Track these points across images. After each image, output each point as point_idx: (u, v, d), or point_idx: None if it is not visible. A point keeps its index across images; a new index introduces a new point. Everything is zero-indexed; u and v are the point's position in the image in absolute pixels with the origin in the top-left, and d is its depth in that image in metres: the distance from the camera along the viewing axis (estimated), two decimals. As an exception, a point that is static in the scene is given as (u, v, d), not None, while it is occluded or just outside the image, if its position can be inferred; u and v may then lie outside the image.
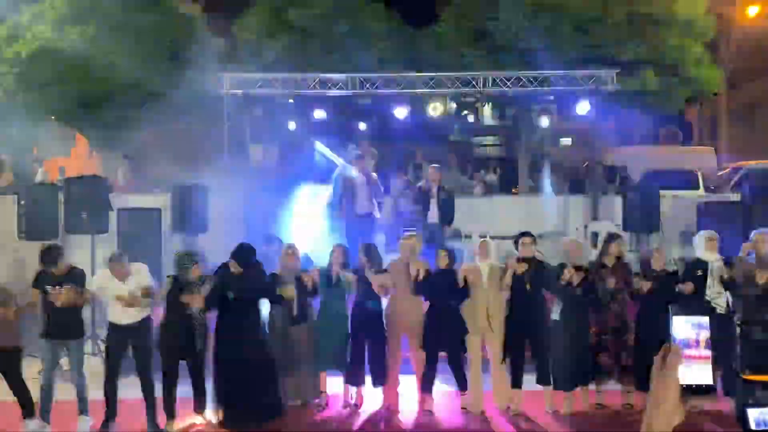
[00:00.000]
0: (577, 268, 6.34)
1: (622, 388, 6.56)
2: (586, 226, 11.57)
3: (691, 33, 12.17)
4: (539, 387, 6.53)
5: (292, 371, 6.39)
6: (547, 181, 12.29)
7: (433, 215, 9.54)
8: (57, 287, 5.86)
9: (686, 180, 15.18)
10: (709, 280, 6.40)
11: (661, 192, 10.20)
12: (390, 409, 6.53)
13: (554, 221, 11.36)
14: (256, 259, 6.24)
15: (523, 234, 6.59)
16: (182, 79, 12.42)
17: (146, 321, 6.15)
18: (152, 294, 6.05)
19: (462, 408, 6.51)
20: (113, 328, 6.08)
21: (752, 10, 21.11)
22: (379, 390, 6.62)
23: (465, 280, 6.42)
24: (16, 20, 13.17)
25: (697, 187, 15.21)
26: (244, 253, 6.15)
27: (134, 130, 14.08)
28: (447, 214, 9.59)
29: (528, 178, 14.33)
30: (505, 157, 17.12)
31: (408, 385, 6.67)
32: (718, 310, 6.36)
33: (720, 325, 6.22)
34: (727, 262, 6.48)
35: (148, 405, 6.05)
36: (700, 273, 6.43)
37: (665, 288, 6.37)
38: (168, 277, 6.15)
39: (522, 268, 6.33)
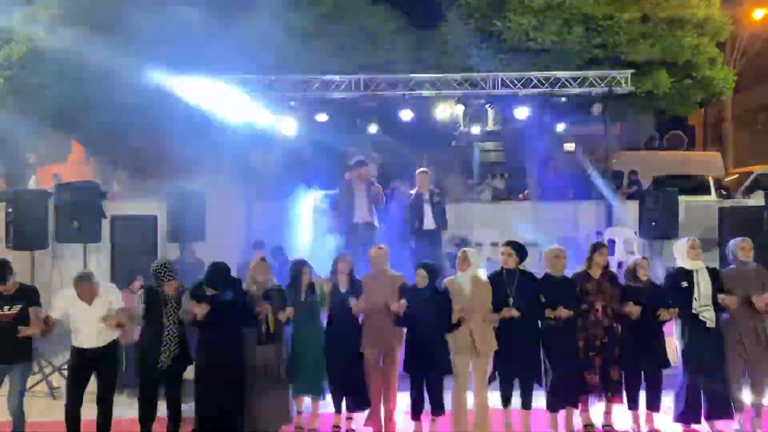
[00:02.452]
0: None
1: (605, 406, 6.23)
2: (598, 233, 11.22)
3: (705, 32, 11.81)
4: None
5: (261, 395, 5.95)
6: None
7: (429, 222, 9.12)
8: (6, 308, 5.53)
9: (697, 185, 14.90)
10: (695, 292, 5.98)
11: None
12: None
13: (565, 227, 11.03)
14: (231, 279, 5.85)
15: (505, 243, 6.19)
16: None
17: (113, 344, 5.74)
18: (134, 317, 5.67)
19: None
20: (78, 352, 5.64)
21: (758, 14, 20.89)
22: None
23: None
24: (7, 22, 12.79)
25: (708, 192, 14.93)
26: (217, 275, 5.74)
27: (131, 134, 13.72)
28: (441, 219, 9.16)
29: (537, 183, 13.97)
30: (510, 162, 16.78)
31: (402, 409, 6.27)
32: (708, 324, 5.97)
33: (708, 341, 5.97)
34: (712, 272, 6.10)
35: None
36: (686, 284, 6.02)
37: (652, 301, 6.02)
38: (142, 288, 5.75)
39: (512, 313, 5.90)
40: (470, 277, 6.01)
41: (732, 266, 6.26)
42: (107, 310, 5.61)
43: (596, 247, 6.36)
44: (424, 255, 8.20)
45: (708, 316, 5.97)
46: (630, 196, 13.69)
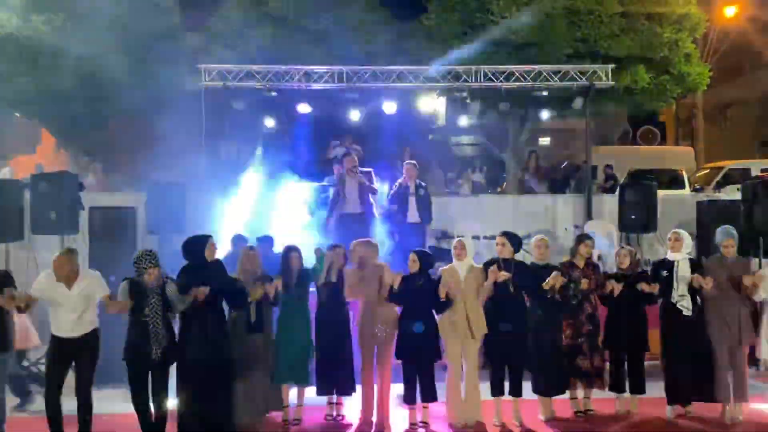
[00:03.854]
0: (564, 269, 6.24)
1: (585, 391, 6.41)
2: (576, 226, 11.32)
3: (683, 28, 12.00)
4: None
5: (249, 382, 5.92)
6: None
7: (413, 214, 9.10)
8: None
9: (672, 179, 15.15)
10: (674, 282, 6.19)
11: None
12: (368, 423, 6.13)
13: (543, 220, 11.12)
14: (216, 259, 5.75)
15: (500, 234, 6.34)
16: (157, 71, 11.83)
17: (93, 334, 5.58)
18: (121, 306, 5.49)
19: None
20: (57, 341, 5.46)
21: (729, 11, 21.25)
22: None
23: (445, 292, 6.02)
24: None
25: (682, 187, 15.19)
26: (192, 246, 5.64)
27: (105, 125, 13.45)
28: (426, 212, 9.15)
29: (515, 177, 14.04)
30: (489, 155, 16.87)
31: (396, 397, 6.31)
32: (684, 313, 6.17)
33: (686, 329, 6.18)
34: (694, 263, 6.31)
35: (81, 426, 5.47)
36: (665, 273, 6.26)
37: (633, 289, 6.23)
38: (124, 280, 5.56)
39: (504, 276, 6.02)
40: (466, 266, 6.15)
41: (714, 255, 6.46)
42: (87, 297, 5.47)
43: (581, 238, 6.61)
44: (408, 247, 8.19)
45: (685, 305, 6.17)
46: (606, 190, 13.88)
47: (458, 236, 10.04)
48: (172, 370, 5.65)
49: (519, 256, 6.44)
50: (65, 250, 5.56)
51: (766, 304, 6.27)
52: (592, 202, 11.04)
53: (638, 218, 9.51)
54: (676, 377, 6.28)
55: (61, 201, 7.78)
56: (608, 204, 11.09)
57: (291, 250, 6.27)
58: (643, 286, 6.20)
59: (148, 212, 8.49)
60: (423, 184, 9.30)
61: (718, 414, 6.28)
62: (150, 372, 5.52)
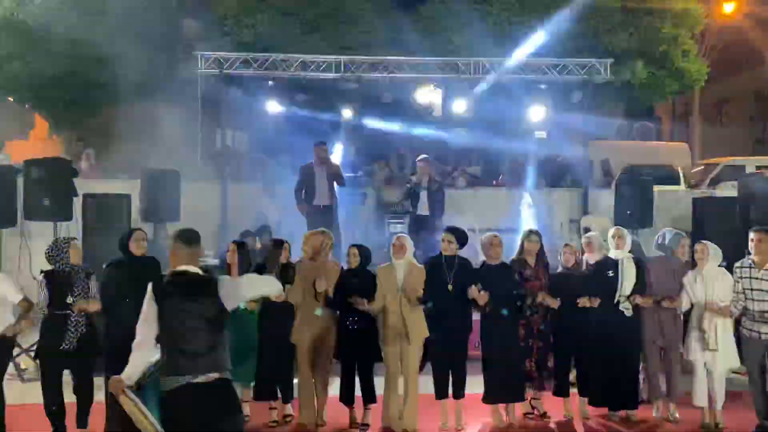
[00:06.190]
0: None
1: (535, 393, 6.13)
2: (571, 221, 11.33)
3: (682, 24, 12.00)
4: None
5: None
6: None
7: (424, 208, 9.18)
8: None
9: (667, 175, 15.12)
10: (619, 281, 5.92)
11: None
12: (307, 427, 5.76)
13: (539, 215, 11.11)
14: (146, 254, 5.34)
15: (445, 230, 6.00)
16: (153, 57, 11.74)
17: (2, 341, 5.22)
18: (32, 307, 5.15)
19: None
20: None
21: (728, 7, 21.23)
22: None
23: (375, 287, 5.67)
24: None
25: (677, 183, 15.18)
26: (119, 241, 5.28)
27: (99, 111, 13.34)
28: (437, 206, 9.24)
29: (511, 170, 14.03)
30: (485, 148, 16.80)
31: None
32: (626, 314, 5.94)
33: (630, 329, 5.97)
34: (638, 261, 6.06)
35: None
36: (611, 273, 5.94)
37: (579, 289, 5.92)
38: (41, 272, 5.25)
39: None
40: (405, 264, 5.77)
41: (657, 255, 6.26)
42: None
43: (526, 234, 6.27)
44: (417, 240, 8.12)
45: (627, 305, 5.94)
46: (603, 185, 13.88)
47: (469, 229, 10.11)
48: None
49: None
50: None
51: (694, 307, 5.89)
52: (589, 197, 11.03)
53: (634, 214, 9.48)
54: (600, 381, 5.99)
55: (54, 187, 7.65)
56: (604, 199, 11.07)
57: (231, 243, 5.93)
58: (583, 302, 5.87)
59: (142, 200, 8.42)
60: (437, 179, 9.40)
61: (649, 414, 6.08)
62: (65, 368, 5.22)
